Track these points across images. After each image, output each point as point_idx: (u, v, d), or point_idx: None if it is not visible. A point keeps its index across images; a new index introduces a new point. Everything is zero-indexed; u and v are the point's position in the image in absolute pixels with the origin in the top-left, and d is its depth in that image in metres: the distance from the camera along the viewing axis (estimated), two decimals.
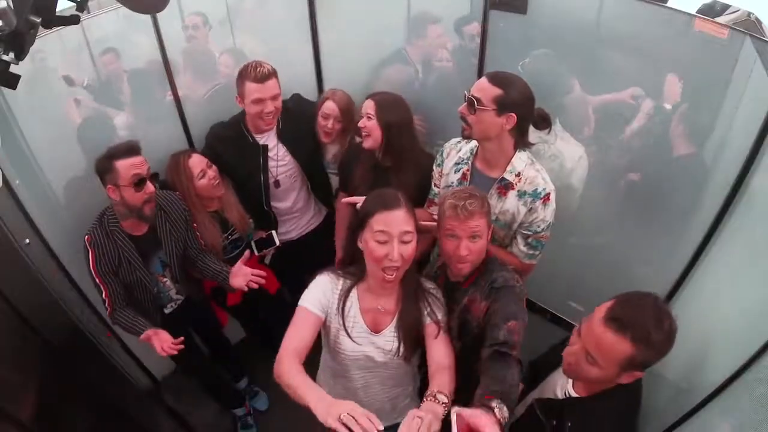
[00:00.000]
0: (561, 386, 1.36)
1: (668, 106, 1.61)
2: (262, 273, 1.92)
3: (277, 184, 2.19)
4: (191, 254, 1.98)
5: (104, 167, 1.67)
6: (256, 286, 1.89)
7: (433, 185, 1.87)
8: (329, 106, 2.10)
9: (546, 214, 1.59)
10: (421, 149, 2.03)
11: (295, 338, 1.32)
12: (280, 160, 2.15)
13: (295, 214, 2.36)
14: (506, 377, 1.18)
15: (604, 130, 1.78)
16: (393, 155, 1.93)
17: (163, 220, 1.86)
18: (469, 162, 1.69)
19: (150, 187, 1.70)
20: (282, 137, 2.13)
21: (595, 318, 1.12)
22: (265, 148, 2.10)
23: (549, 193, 1.58)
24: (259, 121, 2.01)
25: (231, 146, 2.09)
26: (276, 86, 1.94)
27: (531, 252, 1.66)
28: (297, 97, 2.27)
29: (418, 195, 1.89)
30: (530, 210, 1.59)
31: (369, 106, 1.89)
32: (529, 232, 1.63)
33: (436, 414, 1.10)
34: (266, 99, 1.93)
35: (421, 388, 1.67)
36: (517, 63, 1.81)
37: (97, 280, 1.75)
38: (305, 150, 2.20)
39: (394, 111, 1.89)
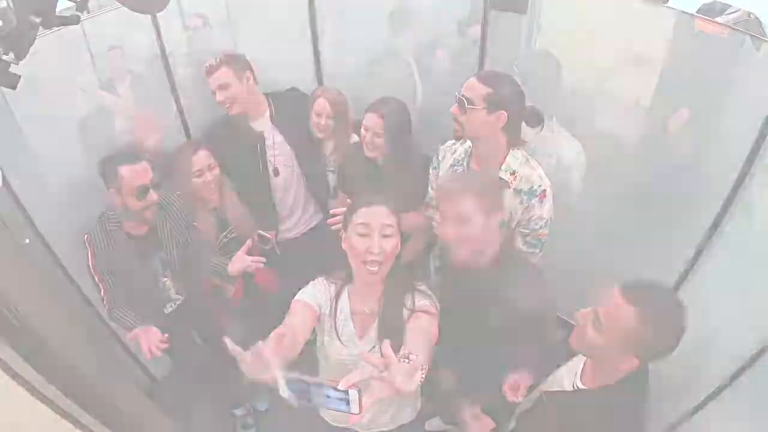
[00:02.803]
0: (568, 380, 1.37)
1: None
2: (262, 259, 1.89)
3: (276, 172, 2.21)
4: (191, 253, 1.98)
5: (108, 171, 1.67)
6: (260, 265, 1.87)
7: (429, 188, 1.87)
8: (320, 104, 2.11)
9: (543, 211, 1.59)
10: (416, 150, 2.03)
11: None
12: (277, 148, 2.18)
13: (295, 210, 2.37)
14: None
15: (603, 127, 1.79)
16: (393, 159, 1.96)
17: (164, 221, 1.86)
18: (464, 163, 1.69)
19: (153, 196, 1.70)
20: (276, 123, 2.16)
21: (614, 286, 1.14)
22: (261, 134, 2.13)
23: (545, 190, 1.58)
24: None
25: (228, 135, 2.11)
26: (222, 76, 1.95)
27: (530, 251, 1.66)
28: (293, 89, 2.30)
29: (414, 194, 1.90)
30: (527, 208, 1.59)
31: (377, 125, 1.88)
32: (527, 230, 1.63)
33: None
34: (215, 89, 1.97)
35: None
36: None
37: (96, 279, 1.76)
38: (301, 137, 2.21)
39: (400, 123, 1.91)
